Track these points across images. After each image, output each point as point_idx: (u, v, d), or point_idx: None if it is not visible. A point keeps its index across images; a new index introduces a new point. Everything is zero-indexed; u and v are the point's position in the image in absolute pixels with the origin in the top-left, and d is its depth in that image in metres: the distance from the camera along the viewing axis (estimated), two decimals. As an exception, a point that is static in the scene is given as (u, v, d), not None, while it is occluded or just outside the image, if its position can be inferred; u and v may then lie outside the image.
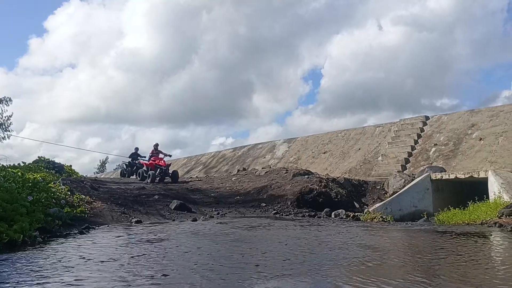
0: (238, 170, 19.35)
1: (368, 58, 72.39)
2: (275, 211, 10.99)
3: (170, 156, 19.30)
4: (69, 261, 4.89)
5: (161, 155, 17.57)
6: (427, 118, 17.46)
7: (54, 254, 5.39)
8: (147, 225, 8.83)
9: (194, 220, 9.66)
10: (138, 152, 22.11)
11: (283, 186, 12.56)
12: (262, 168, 17.67)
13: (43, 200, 8.05)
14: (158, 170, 16.47)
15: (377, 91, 73.20)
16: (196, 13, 79.82)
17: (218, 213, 10.81)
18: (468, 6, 72.60)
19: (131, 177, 20.66)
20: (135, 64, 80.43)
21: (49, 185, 9.39)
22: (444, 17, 68.55)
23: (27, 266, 4.63)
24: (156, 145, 17.79)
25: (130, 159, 21.64)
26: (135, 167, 20.75)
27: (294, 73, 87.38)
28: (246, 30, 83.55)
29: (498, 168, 11.84)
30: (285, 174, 13.83)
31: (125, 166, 22.59)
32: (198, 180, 17.13)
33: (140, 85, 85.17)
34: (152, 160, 16.95)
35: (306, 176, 13.08)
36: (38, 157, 18.90)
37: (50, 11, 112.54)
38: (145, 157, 21.66)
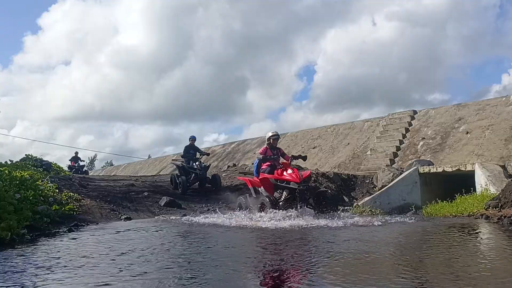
0: (228, 166, 19.35)
1: (361, 54, 72.98)
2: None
3: (305, 158, 9.45)
4: (58, 258, 4.85)
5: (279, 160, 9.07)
6: (415, 112, 17.62)
7: (42, 252, 5.35)
8: (136, 222, 8.79)
9: (184, 216, 9.64)
10: (195, 144, 13.96)
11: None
12: (252, 163, 17.69)
13: (30, 198, 7.96)
14: (286, 193, 8.41)
15: (370, 86, 73.87)
16: (192, 10, 79.58)
17: (208, 209, 10.80)
18: (461, 2, 73.34)
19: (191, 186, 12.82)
20: (129, 61, 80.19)
21: (37, 182, 9.29)
22: (437, 12, 69.28)
23: (14, 264, 4.58)
24: (275, 138, 9.27)
25: (185, 159, 13.41)
26: (193, 175, 12.84)
27: (288, 70, 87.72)
28: (241, 27, 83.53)
29: (485, 161, 12.00)
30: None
31: (177, 171, 13.83)
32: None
33: (134, 83, 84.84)
34: (281, 172, 8.54)
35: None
36: (26, 155, 18.73)
37: (45, 8, 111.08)
38: (208, 154, 15.80)
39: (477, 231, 6.58)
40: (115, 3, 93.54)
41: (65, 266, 4.37)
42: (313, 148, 19.98)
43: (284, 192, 8.43)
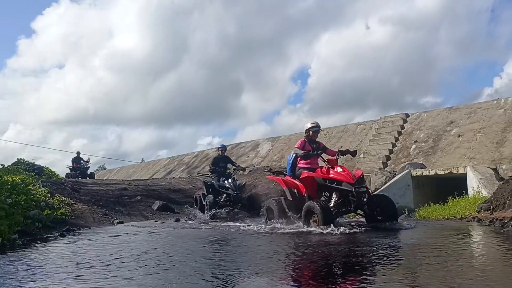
0: (221, 170, 19.33)
1: (355, 58, 73.31)
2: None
3: (354, 154, 8.13)
4: (49, 264, 4.81)
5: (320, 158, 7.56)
6: (407, 115, 17.72)
7: (34, 257, 5.30)
8: (128, 226, 8.75)
9: (177, 220, 9.61)
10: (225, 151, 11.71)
11: (267, 184, 12.57)
12: (246, 167, 17.69)
13: (22, 203, 7.90)
14: (336, 196, 6.87)
15: (364, 90, 74.20)
16: (187, 13, 79.61)
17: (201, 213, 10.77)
18: (454, 6, 73.88)
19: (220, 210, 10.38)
20: (124, 64, 79.97)
21: (29, 187, 9.22)
22: (431, 17, 69.73)
23: (5, 269, 4.53)
24: (316, 130, 7.74)
25: (214, 175, 11.08)
26: (224, 195, 10.55)
27: (283, 73, 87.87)
28: (236, 30, 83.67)
29: (477, 164, 12.08)
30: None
31: (204, 187, 11.12)
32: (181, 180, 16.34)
33: (128, 86, 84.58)
34: (328, 170, 7.02)
35: (289, 174, 13.11)
36: (18, 159, 18.58)
37: (39, 12, 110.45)
38: (244, 168, 12.86)
39: (469, 234, 6.62)
40: (110, 7, 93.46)
41: (54, 274, 4.34)
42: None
43: (333, 195, 6.87)
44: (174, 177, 20.75)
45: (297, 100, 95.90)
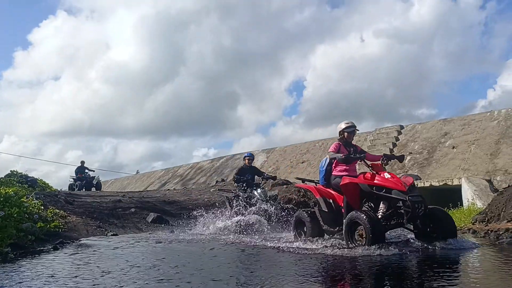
0: (217, 181, 19.27)
1: (350, 70, 73.56)
2: (254, 222, 10.88)
3: (401, 159, 7.16)
4: (41, 277, 4.74)
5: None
6: (401, 127, 17.82)
7: (25, 271, 5.23)
8: (122, 239, 8.67)
9: (172, 232, 9.53)
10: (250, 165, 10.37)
11: (262, 196, 12.51)
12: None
13: (15, 215, 7.80)
14: (384, 206, 5.80)
15: (358, 101, 74.33)
16: (184, 26, 79.85)
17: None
18: (448, 20, 74.66)
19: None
20: (120, 76, 79.67)
21: (22, 199, 9.12)
22: (424, 30, 70.40)
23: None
24: (351, 131, 6.71)
25: (239, 186, 10.17)
26: (254, 208, 9.18)
27: (278, 85, 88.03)
28: (232, 43, 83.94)
29: (471, 175, 12.13)
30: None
31: (227, 203, 10.18)
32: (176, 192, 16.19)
33: (125, 98, 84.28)
34: (372, 176, 5.92)
35: (285, 185, 13.12)
36: (11, 171, 18.41)
37: (36, 24, 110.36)
38: (274, 177, 11.06)
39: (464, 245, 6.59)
40: (107, 20, 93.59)
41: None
42: (302, 162, 20.04)
43: (381, 205, 5.82)
44: (168, 189, 20.63)
45: (293, 111, 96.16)
